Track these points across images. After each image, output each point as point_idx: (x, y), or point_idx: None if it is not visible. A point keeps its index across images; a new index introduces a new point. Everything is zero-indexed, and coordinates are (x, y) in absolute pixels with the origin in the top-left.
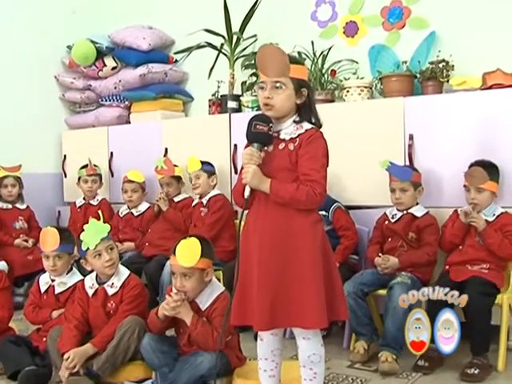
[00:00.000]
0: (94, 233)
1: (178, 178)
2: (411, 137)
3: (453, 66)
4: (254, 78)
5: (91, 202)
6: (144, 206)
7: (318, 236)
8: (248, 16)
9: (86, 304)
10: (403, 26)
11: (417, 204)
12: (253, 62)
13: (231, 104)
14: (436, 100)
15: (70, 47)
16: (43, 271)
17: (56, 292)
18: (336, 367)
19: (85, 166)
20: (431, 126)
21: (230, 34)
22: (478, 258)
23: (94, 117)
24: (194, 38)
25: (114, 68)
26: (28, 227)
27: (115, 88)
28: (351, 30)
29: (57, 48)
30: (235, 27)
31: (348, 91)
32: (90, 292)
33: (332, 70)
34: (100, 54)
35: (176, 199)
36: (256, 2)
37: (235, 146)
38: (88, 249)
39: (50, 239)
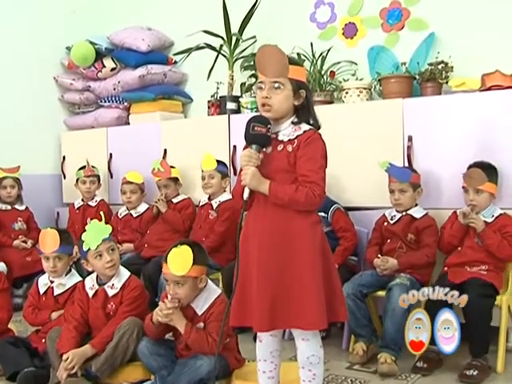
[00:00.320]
0: (95, 233)
1: (176, 180)
2: (410, 138)
3: (452, 67)
4: (253, 80)
5: (89, 203)
6: (143, 207)
7: (318, 237)
8: (247, 17)
9: (85, 305)
10: (402, 28)
11: (416, 205)
12: (252, 63)
13: (230, 105)
14: (435, 101)
15: (69, 48)
16: (42, 272)
17: (55, 293)
18: (335, 368)
19: (83, 167)
20: (430, 128)
21: (229, 35)
22: (477, 259)
23: (93, 118)
24: (193, 39)
25: (113, 69)
26: (27, 228)
27: (114, 89)
28: (350, 31)
29: (56, 49)
30: (234, 28)
31: (347, 92)
32: (91, 293)
33: (331, 72)
34: (99, 55)
35: (174, 200)
36: (255, 4)
37: (234, 147)
38: (89, 249)
39: (49, 240)
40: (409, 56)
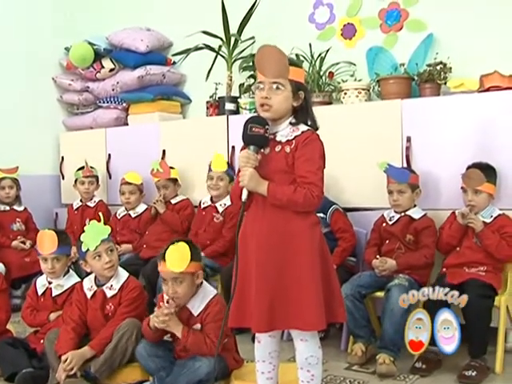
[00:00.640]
0: (94, 234)
1: (175, 180)
2: (409, 139)
3: (450, 68)
4: (252, 80)
5: (88, 203)
6: (141, 208)
7: (316, 238)
8: (246, 18)
9: (84, 306)
10: (401, 29)
11: (414, 206)
12: (251, 64)
13: (229, 106)
14: (433, 102)
15: (67, 49)
16: (40, 273)
17: (53, 294)
18: (333, 369)
19: (81, 168)
20: (429, 128)
21: (227, 36)
22: (476, 260)
23: (91, 118)
24: (191, 39)
25: (111, 70)
26: (25, 229)
27: (113, 90)
28: (349, 32)
29: (55, 50)
30: (233, 29)
31: (346, 93)
32: (89, 294)
33: (330, 72)
34: (98, 55)
35: (173, 201)
36: (254, 4)
37: (233, 147)
38: (88, 250)
39: (47, 242)
40: (407, 57)
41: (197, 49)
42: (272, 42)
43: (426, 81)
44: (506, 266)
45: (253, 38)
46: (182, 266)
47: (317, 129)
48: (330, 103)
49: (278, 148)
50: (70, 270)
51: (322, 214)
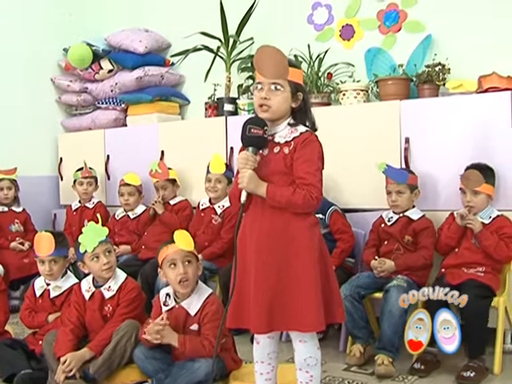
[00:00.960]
0: (92, 235)
1: (173, 181)
2: (407, 140)
3: (449, 69)
4: (251, 81)
5: (87, 204)
6: (140, 209)
7: (315, 239)
8: (244, 19)
9: (82, 307)
10: (399, 30)
11: (413, 207)
12: (249, 64)
13: (227, 107)
14: (432, 103)
15: (66, 50)
16: (39, 275)
17: (51, 296)
18: (332, 370)
19: (80, 169)
20: (427, 129)
21: (226, 36)
22: (474, 260)
23: (90, 119)
24: (190, 40)
25: (110, 71)
26: (24, 230)
27: (111, 91)
28: (347, 33)
29: (53, 51)
30: (232, 30)
31: (344, 94)
32: (87, 295)
33: (328, 73)
34: (96, 56)
35: (172, 202)
36: (253, 5)
37: (231, 148)
38: (86, 251)
39: (44, 244)
40: (406, 58)
41: (195, 50)
42: (271, 42)
43: (425, 82)
44: (504, 267)
45: (251, 39)
46: (191, 246)
47: (315, 130)
48: (328, 104)
49: (276, 149)
50: (68, 272)
51: (320, 215)
